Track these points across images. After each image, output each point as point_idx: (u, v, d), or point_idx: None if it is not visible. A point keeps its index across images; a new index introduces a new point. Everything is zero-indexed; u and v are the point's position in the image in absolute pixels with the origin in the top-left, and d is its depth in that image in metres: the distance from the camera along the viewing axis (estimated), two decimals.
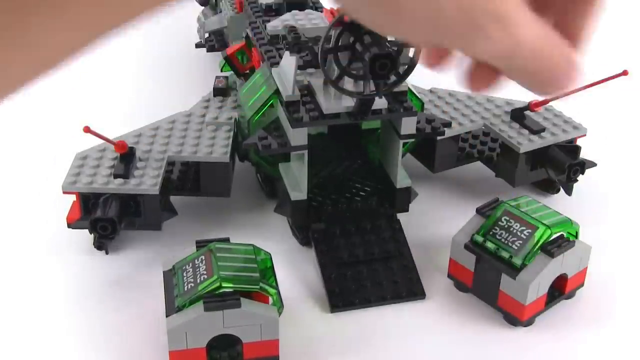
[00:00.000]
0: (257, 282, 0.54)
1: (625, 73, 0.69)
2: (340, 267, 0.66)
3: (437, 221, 0.74)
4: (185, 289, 0.54)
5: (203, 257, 0.56)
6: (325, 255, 0.66)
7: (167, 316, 0.54)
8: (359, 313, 0.63)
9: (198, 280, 0.54)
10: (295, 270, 0.68)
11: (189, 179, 0.73)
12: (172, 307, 0.54)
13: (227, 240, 0.59)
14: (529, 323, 0.62)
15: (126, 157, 0.67)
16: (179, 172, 0.74)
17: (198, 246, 0.58)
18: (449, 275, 0.65)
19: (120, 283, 0.67)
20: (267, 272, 0.57)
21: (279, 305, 0.56)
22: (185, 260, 0.57)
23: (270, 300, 0.56)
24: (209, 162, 0.69)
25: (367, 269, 0.66)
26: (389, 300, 0.64)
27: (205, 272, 0.54)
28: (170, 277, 0.57)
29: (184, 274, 0.55)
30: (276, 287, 0.56)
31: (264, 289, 0.55)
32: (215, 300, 0.52)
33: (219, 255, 0.56)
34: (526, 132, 0.74)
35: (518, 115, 0.76)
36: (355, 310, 0.64)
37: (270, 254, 0.59)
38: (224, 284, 0.53)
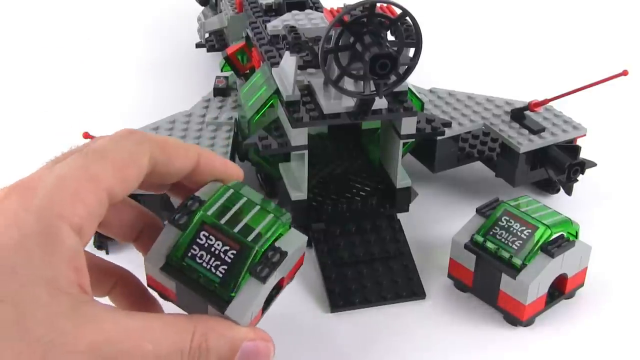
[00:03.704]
0: (275, 222, 0.49)
1: (625, 73, 0.69)
2: (340, 267, 0.66)
3: (437, 221, 0.74)
4: (220, 274, 0.46)
5: (207, 233, 0.47)
6: (325, 255, 0.66)
7: (223, 312, 0.46)
8: (359, 313, 0.63)
9: (227, 259, 0.47)
10: None
11: None
12: (220, 302, 0.46)
13: (201, 200, 0.49)
14: (529, 323, 0.62)
15: None
16: None
17: (174, 222, 0.48)
18: (449, 275, 0.66)
19: None
20: (264, 202, 0.51)
21: (287, 217, 0.50)
22: (180, 246, 0.47)
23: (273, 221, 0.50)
24: None
25: (367, 269, 0.66)
26: (389, 300, 0.64)
27: (228, 247, 0.47)
28: (180, 274, 0.47)
29: (199, 260, 0.47)
30: (271, 205, 0.51)
31: (284, 223, 0.50)
32: (263, 266, 0.47)
33: (223, 223, 0.47)
34: (526, 132, 0.74)
35: (518, 115, 0.76)
36: (355, 310, 0.64)
37: (242, 183, 0.52)
38: (260, 248, 0.47)
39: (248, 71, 0.80)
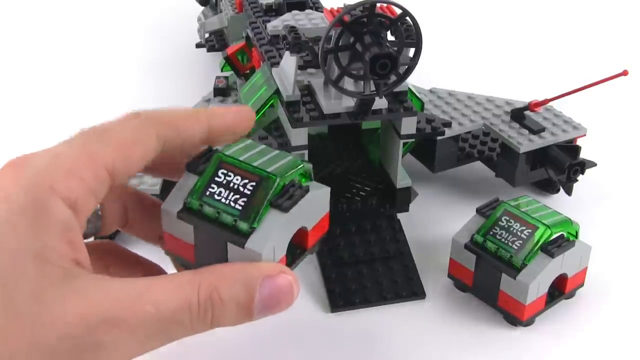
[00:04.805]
0: (296, 162, 0.47)
1: (625, 73, 0.69)
2: (341, 267, 0.66)
3: (437, 221, 0.74)
4: (239, 207, 0.44)
5: (225, 171, 0.45)
6: (325, 255, 0.66)
7: (242, 246, 0.44)
8: (359, 313, 0.64)
9: (247, 191, 0.45)
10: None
11: None
12: (239, 236, 0.44)
13: (213, 150, 0.48)
14: (529, 323, 0.62)
15: None
16: None
17: (192, 169, 0.46)
18: (449, 275, 0.66)
19: None
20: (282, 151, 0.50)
21: (308, 165, 0.48)
22: (198, 188, 0.45)
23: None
24: None
25: (367, 269, 0.66)
26: (389, 300, 0.64)
27: (247, 179, 0.45)
28: (198, 215, 0.45)
29: (217, 197, 0.45)
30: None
31: (306, 169, 0.48)
32: (285, 198, 0.44)
33: (242, 160, 0.46)
34: (526, 132, 0.74)
35: (518, 115, 0.76)
36: (355, 310, 0.64)
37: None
38: (281, 180, 0.45)
39: (248, 71, 0.80)
